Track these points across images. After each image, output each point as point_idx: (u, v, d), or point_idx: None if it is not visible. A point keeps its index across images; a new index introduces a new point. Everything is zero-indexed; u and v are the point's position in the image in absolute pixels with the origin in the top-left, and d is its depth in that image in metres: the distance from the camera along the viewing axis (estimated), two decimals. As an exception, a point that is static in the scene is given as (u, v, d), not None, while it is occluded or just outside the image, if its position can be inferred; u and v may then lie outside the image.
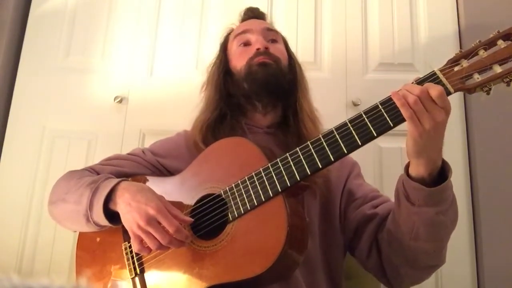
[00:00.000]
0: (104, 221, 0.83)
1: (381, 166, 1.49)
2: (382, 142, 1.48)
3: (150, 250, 0.78)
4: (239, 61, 0.98)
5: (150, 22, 1.69)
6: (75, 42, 1.70)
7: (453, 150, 1.45)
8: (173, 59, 1.65)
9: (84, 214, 0.84)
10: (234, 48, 1.02)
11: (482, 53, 0.68)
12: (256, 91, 0.95)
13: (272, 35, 1.02)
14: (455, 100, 1.51)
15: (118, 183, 0.84)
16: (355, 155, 1.08)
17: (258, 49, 0.95)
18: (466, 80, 0.68)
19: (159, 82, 1.63)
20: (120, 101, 1.60)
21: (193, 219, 0.81)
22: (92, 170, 0.96)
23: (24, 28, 1.73)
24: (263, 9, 1.08)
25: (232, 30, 1.09)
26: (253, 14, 1.08)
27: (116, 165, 0.97)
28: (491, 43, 0.69)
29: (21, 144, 1.60)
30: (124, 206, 0.79)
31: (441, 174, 0.74)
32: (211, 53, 1.66)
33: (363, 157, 1.46)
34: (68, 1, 1.74)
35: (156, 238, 0.76)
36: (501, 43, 0.68)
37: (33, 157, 1.58)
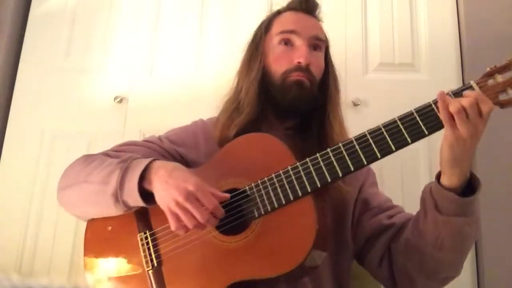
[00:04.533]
0: (135, 201, 0.80)
1: (381, 166, 1.49)
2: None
3: (187, 229, 0.75)
4: (277, 64, 0.93)
5: (150, 21, 1.69)
6: (75, 42, 1.70)
7: (453, 150, 1.45)
8: (173, 59, 1.65)
9: (113, 193, 0.80)
10: (274, 42, 0.94)
11: None
12: (283, 106, 0.92)
13: (318, 42, 0.95)
14: (455, 100, 1.51)
15: (151, 162, 0.81)
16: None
17: (299, 62, 0.90)
18: (500, 94, 0.70)
19: (159, 82, 1.63)
20: (120, 101, 1.60)
21: (229, 195, 0.79)
22: (107, 156, 0.91)
23: (24, 28, 1.73)
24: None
25: (278, 13, 1.00)
26: (306, 6, 0.97)
27: (130, 151, 0.94)
28: None
29: (21, 144, 1.60)
30: (160, 183, 0.77)
31: (467, 185, 0.75)
32: (211, 53, 1.66)
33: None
34: (68, 1, 1.75)
35: (193, 216, 0.74)
36: None
37: (33, 158, 1.59)
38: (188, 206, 0.73)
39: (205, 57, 1.63)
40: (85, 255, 0.90)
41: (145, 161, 0.81)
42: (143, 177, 0.79)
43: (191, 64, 1.64)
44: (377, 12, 1.64)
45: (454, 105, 0.67)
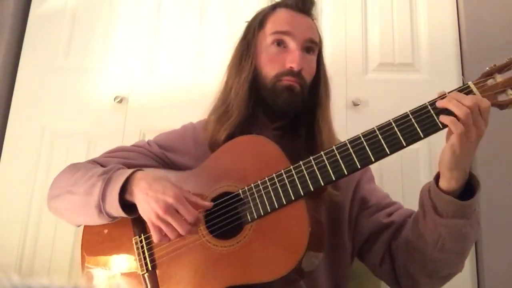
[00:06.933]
0: (118, 212, 0.81)
1: (381, 166, 1.49)
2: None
3: (169, 239, 0.77)
4: (269, 66, 0.91)
5: (150, 22, 1.69)
6: (75, 42, 1.70)
7: (453, 150, 1.45)
8: (173, 59, 1.65)
9: (96, 205, 0.81)
10: (268, 42, 0.92)
11: None
12: (273, 108, 0.91)
13: (311, 45, 0.93)
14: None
15: (133, 173, 0.81)
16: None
17: (291, 67, 0.88)
18: (499, 95, 0.69)
19: (159, 82, 1.63)
20: (120, 101, 1.60)
21: (212, 203, 0.79)
22: (96, 163, 0.92)
23: (24, 28, 1.73)
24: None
25: (273, 8, 0.96)
26: (303, 7, 0.94)
27: (121, 157, 0.94)
28: None
29: (21, 144, 1.60)
30: (141, 195, 0.77)
31: (466, 186, 0.74)
32: (211, 53, 1.66)
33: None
34: (68, 1, 1.74)
35: (175, 228, 0.75)
36: None
37: (33, 158, 1.58)
38: (168, 218, 0.74)
39: (205, 57, 1.63)
40: (82, 256, 0.91)
41: (127, 172, 0.82)
42: (125, 188, 0.80)
43: (191, 64, 1.63)
44: (377, 12, 1.63)
45: (461, 109, 0.66)
